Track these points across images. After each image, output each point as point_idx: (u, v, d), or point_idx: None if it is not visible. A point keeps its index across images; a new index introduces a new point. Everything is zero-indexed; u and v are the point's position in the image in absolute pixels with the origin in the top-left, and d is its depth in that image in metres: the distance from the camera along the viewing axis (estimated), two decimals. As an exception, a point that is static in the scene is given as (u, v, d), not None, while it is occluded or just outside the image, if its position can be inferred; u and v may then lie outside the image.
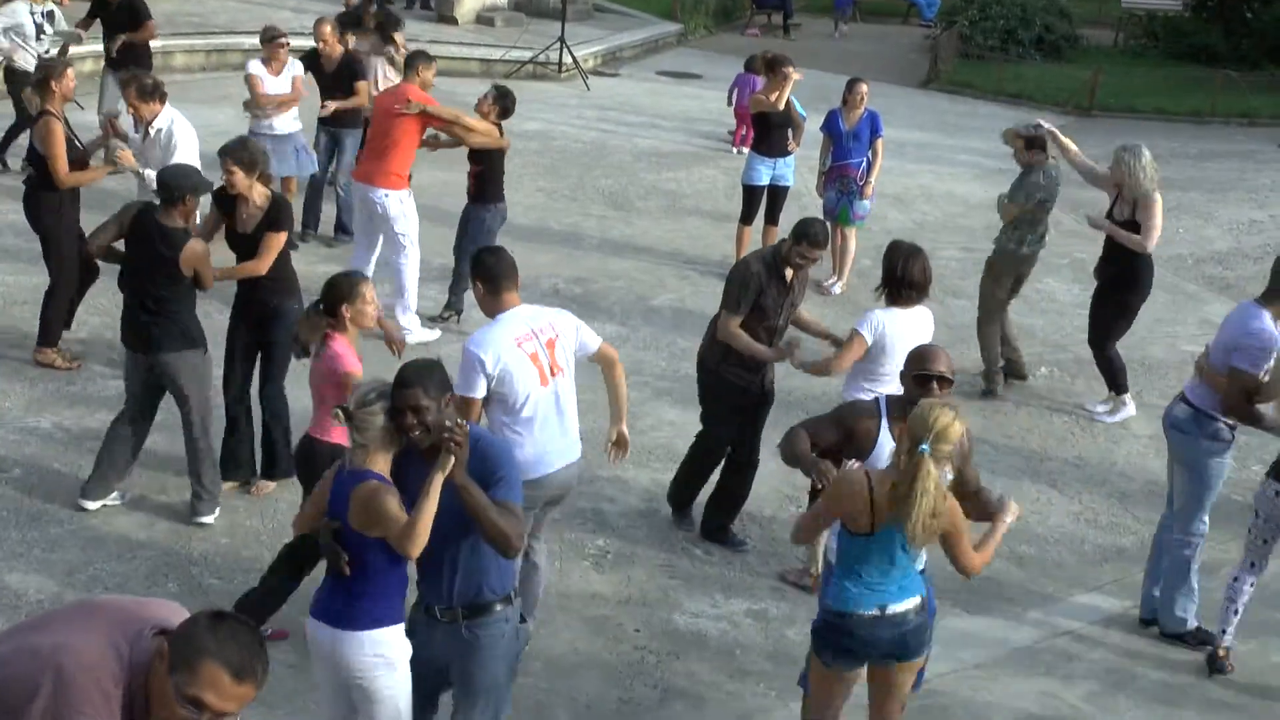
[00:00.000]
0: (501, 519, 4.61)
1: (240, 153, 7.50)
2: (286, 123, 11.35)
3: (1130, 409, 9.79)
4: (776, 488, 8.41)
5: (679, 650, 6.75)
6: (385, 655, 4.79)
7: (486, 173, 10.02)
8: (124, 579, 6.82)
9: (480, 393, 5.88)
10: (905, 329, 6.83)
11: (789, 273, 7.29)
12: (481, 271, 6.07)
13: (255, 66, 11.36)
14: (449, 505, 4.57)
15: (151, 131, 8.89)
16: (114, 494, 7.48)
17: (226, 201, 7.64)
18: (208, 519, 7.36)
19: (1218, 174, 17.24)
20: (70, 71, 8.88)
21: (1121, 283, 9.55)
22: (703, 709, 6.35)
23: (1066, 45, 26.31)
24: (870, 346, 6.86)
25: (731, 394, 7.43)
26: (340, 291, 6.25)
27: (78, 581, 6.76)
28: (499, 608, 4.87)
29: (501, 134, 10.04)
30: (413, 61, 10.19)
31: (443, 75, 14.14)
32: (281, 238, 7.50)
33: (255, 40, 17.75)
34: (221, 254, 7.67)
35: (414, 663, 4.89)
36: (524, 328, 6.03)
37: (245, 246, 7.60)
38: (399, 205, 9.84)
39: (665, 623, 6.96)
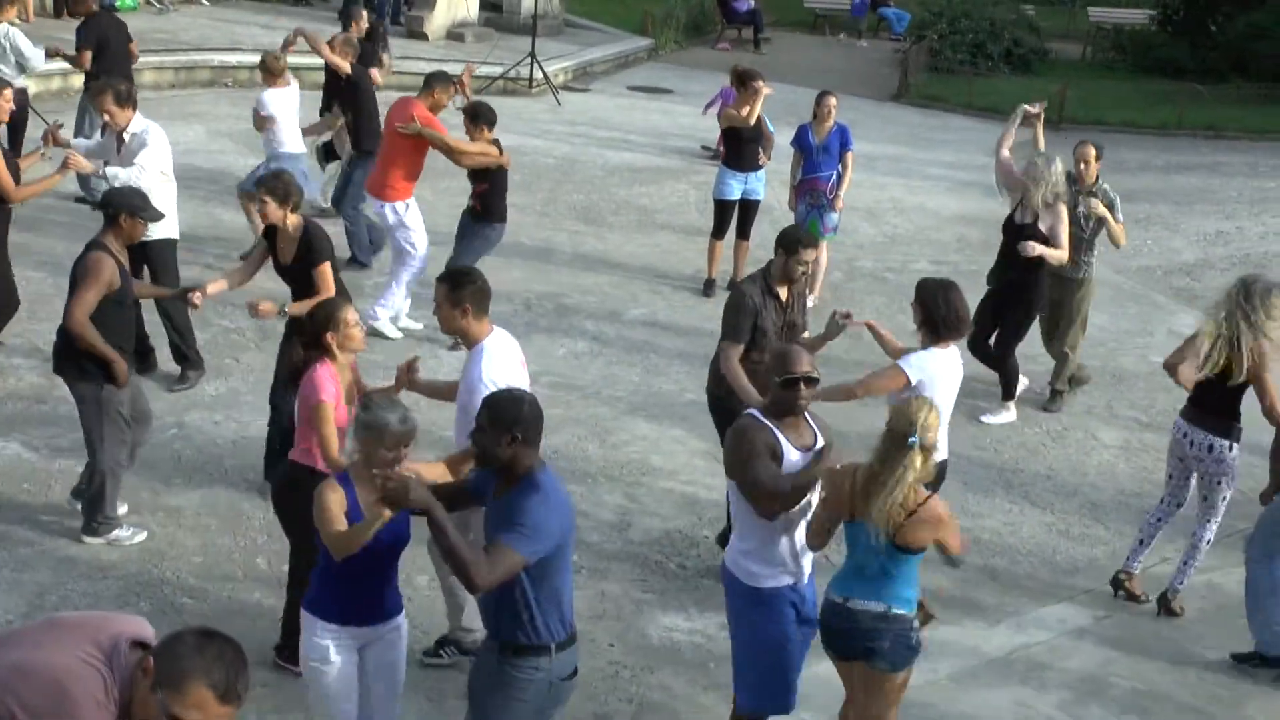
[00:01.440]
0: (464, 547, 4.48)
1: (273, 183, 7.56)
2: (297, 144, 11.31)
3: (1010, 414, 9.89)
4: (750, 501, 8.42)
5: (653, 664, 6.75)
6: (306, 634, 5.05)
7: (490, 192, 10.08)
8: (95, 599, 6.78)
9: None
10: (945, 369, 6.68)
11: (784, 291, 7.24)
12: (474, 294, 5.98)
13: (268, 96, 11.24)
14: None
15: (126, 138, 8.85)
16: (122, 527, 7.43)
17: (270, 234, 7.69)
18: (94, 540, 7.28)
19: (1185, 186, 17.38)
20: (7, 92, 8.89)
21: (1024, 288, 9.61)
22: (677, 723, 6.35)
23: (1035, 59, 26.50)
24: (913, 388, 6.58)
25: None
26: (320, 322, 6.13)
27: (48, 602, 6.71)
28: (531, 656, 4.81)
29: (501, 151, 10.05)
30: (430, 82, 10.26)
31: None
32: (327, 268, 7.50)
33: (224, 57, 17.82)
34: (270, 285, 7.80)
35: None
36: (513, 350, 6.11)
37: (288, 277, 7.66)
38: (396, 216, 10.00)
39: (639, 636, 6.96)
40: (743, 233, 11.86)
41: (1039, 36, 27.26)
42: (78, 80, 14.34)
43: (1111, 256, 14.11)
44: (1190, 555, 7.50)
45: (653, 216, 14.26)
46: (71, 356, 7.01)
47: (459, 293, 5.97)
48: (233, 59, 18.00)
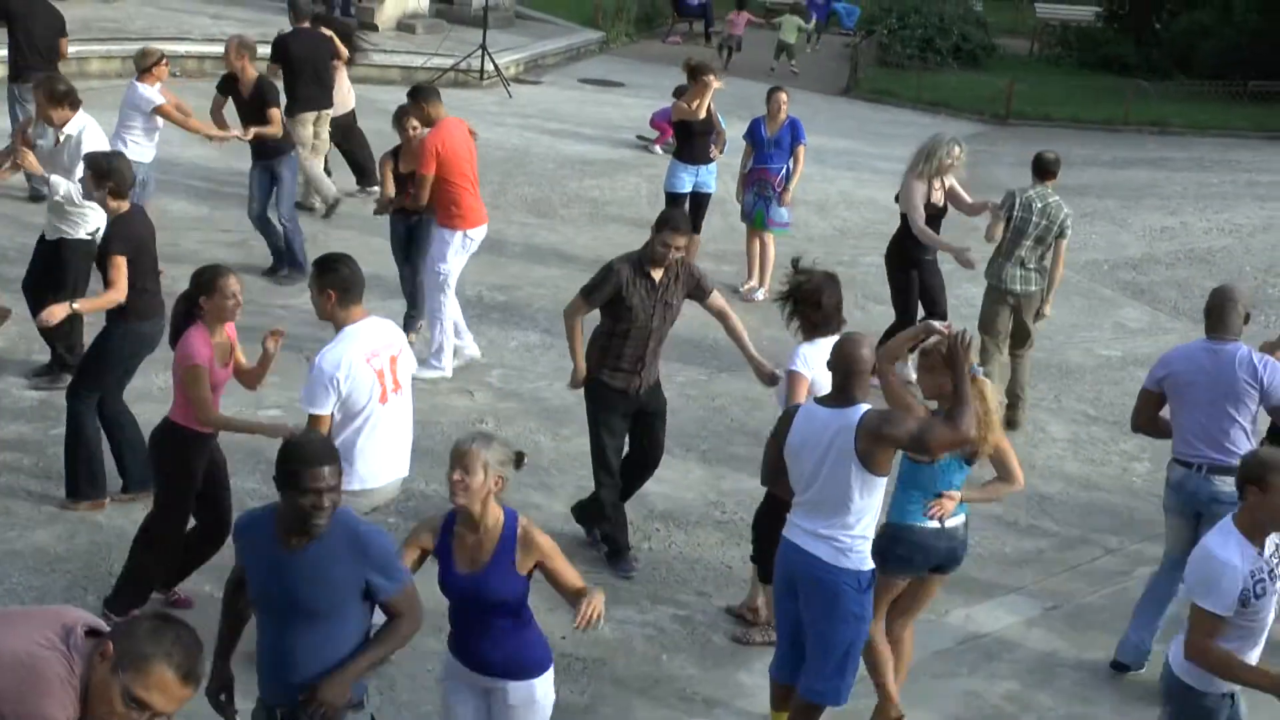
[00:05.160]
0: (392, 644, 4.66)
1: (98, 160, 7.44)
2: (144, 151, 10.56)
3: None
4: (702, 494, 8.45)
5: (605, 656, 6.76)
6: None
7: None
8: (41, 593, 6.71)
9: (329, 409, 5.93)
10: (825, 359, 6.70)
11: (658, 273, 7.24)
12: (337, 281, 6.00)
13: (148, 92, 10.57)
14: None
15: (60, 138, 8.66)
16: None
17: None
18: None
19: (1131, 181, 17.56)
20: None
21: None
22: (629, 714, 6.37)
23: (983, 54, 26.71)
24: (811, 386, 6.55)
25: (609, 396, 7.38)
26: (199, 283, 6.26)
27: (-6, 596, 6.65)
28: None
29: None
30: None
31: (363, 83, 14.11)
32: (120, 261, 7.23)
33: (172, 47, 17.62)
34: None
35: None
36: (372, 343, 6.07)
37: (99, 262, 7.53)
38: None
39: (591, 629, 6.95)
40: (694, 226, 11.85)
41: (987, 32, 27.49)
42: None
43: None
44: None
45: (604, 209, 14.26)
46: None
47: (323, 279, 6.03)
48: (181, 48, 17.81)
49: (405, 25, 21.38)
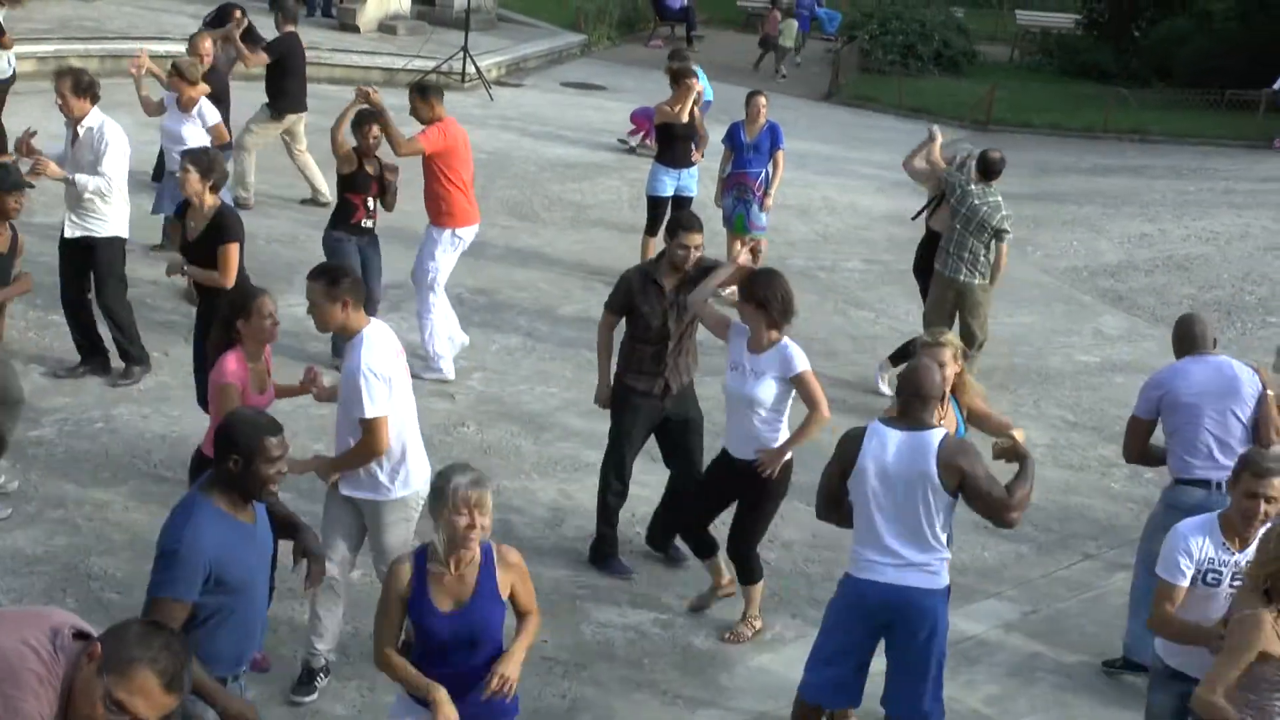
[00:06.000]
0: None
1: (199, 156, 7.52)
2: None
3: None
4: (682, 497, 8.45)
5: (586, 661, 6.76)
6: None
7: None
8: (20, 595, 6.68)
9: (389, 409, 5.93)
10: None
11: (668, 281, 7.26)
12: (350, 288, 5.98)
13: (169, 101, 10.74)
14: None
15: (81, 131, 8.65)
16: None
17: (180, 209, 7.69)
18: None
19: (1110, 188, 17.64)
20: None
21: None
22: (611, 717, 6.36)
23: (965, 60, 26.80)
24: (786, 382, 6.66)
25: (634, 401, 7.42)
26: (234, 306, 6.15)
27: (-29, 598, 6.61)
28: None
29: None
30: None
31: (345, 84, 14.08)
32: (233, 249, 7.48)
33: (151, 46, 17.54)
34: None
35: None
36: (393, 341, 6.11)
37: (189, 255, 7.60)
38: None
39: (573, 633, 6.96)
40: (676, 230, 11.87)
41: (968, 39, 27.57)
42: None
43: (1038, 257, 14.32)
44: None
45: (586, 212, 14.26)
46: None
47: (337, 287, 5.95)
48: (160, 48, 17.72)
49: (386, 27, 21.34)
